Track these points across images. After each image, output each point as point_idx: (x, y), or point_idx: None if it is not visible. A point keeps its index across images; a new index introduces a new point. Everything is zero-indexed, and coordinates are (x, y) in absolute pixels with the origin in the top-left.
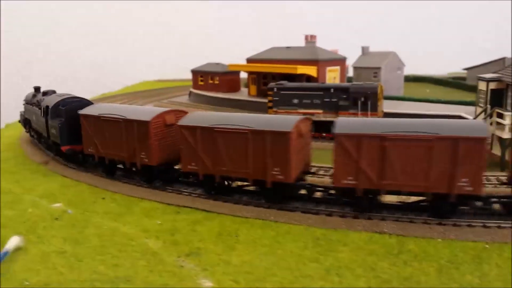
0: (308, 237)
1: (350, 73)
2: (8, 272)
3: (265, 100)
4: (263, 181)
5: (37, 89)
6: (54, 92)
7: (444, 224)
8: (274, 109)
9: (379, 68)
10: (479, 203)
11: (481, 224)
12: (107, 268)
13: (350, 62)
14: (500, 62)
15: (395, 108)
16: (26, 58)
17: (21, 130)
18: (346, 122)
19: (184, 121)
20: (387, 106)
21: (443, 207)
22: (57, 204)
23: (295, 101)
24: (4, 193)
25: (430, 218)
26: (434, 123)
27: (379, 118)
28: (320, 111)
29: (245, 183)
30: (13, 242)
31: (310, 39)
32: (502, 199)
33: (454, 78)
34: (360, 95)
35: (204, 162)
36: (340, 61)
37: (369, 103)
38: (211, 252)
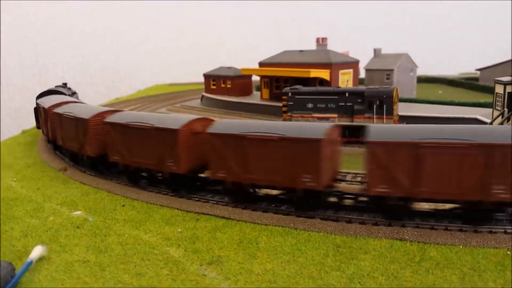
0: (328, 244)
1: (362, 74)
2: (33, 282)
3: (278, 104)
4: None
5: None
6: (64, 87)
7: (465, 231)
8: (289, 114)
9: (391, 70)
10: None
11: (502, 231)
12: (131, 277)
13: (362, 64)
14: None
15: (409, 111)
16: (42, 63)
17: (37, 136)
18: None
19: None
20: (401, 109)
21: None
22: (78, 212)
23: (310, 105)
24: (27, 201)
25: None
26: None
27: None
28: (335, 115)
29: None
30: (37, 251)
31: (322, 42)
32: None
33: (466, 78)
34: (376, 99)
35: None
36: (352, 64)
37: (384, 107)
38: (232, 260)
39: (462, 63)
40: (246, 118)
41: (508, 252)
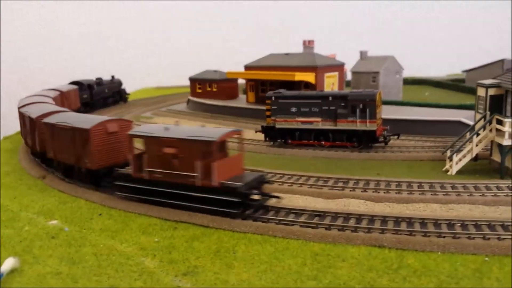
0: (307, 252)
1: (349, 77)
2: None
3: (264, 107)
4: None
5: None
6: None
7: (444, 237)
8: (273, 118)
9: (377, 73)
10: None
11: (481, 236)
12: None
13: (348, 67)
14: (499, 64)
15: (394, 114)
16: (27, 68)
17: (19, 143)
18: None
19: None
20: (386, 112)
21: None
22: (54, 222)
23: (294, 109)
24: (3, 211)
25: None
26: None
27: None
28: (319, 119)
29: None
30: (8, 263)
31: (308, 44)
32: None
33: (453, 80)
34: (359, 103)
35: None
36: (338, 67)
37: (367, 110)
38: (208, 270)
39: (449, 65)
40: (231, 121)
41: (486, 259)
